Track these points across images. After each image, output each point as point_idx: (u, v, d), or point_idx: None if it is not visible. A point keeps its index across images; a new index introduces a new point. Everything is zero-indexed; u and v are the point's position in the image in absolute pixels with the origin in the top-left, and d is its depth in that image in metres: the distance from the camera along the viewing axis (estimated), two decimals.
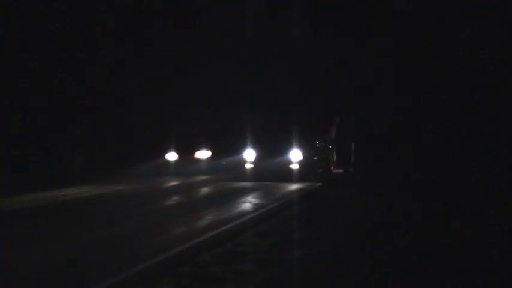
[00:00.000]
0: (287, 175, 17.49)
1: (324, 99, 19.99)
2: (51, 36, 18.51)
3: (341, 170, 19.41)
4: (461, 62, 18.69)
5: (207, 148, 20.15)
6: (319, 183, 16.41)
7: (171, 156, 20.43)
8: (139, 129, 20.96)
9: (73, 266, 6.21)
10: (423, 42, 19.40)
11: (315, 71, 20.50)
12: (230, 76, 21.58)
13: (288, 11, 21.14)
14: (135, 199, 13.30)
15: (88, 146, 20.18)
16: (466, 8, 18.29)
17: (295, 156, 18.11)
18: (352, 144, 19.67)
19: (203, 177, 18.77)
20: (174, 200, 13.25)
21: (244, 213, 10.36)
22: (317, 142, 18.75)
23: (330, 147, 19.30)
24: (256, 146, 18.42)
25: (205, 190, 15.80)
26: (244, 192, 14.53)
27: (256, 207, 11.18)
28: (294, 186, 15.87)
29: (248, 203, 12.01)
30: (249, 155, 18.49)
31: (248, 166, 18.49)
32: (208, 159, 20.20)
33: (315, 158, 18.31)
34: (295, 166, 18.08)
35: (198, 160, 20.32)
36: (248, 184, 16.67)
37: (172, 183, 17.49)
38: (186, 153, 20.28)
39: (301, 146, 18.16)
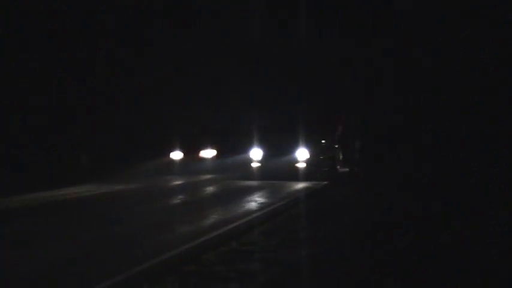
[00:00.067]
0: (293, 174, 17.46)
1: (330, 98, 20.01)
2: (51, 36, 18.52)
3: (347, 169, 19.43)
4: (461, 62, 18.71)
5: (212, 147, 20.14)
6: (325, 182, 16.41)
7: (176, 155, 20.40)
8: (139, 129, 20.94)
9: (76, 264, 6.21)
10: (423, 42, 19.42)
11: (321, 71, 20.53)
12: (230, 76, 21.58)
13: (288, 11, 21.15)
14: (138, 198, 13.25)
15: (88, 145, 20.18)
16: (466, 8, 18.30)
17: (302, 155, 18.12)
18: (358, 144, 19.68)
19: (208, 176, 18.73)
20: (179, 198, 13.19)
21: (250, 212, 10.30)
22: (323, 141, 18.77)
23: (336, 146, 19.32)
24: (263, 144, 18.46)
25: (210, 189, 15.70)
26: (251, 190, 14.48)
27: (263, 206, 11.12)
28: (301, 185, 15.84)
29: (254, 202, 11.95)
30: (256, 153, 18.52)
31: (255, 165, 18.52)
32: (213, 158, 20.18)
33: (321, 157, 18.33)
34: (301, 165, 18.09)
35: (203, 159, 20.30)
36: (254, 183, 16.64)
37: (177, 182, 17.41)
38: (190, 152, 20.26)
39: (308, 145, 18.18)
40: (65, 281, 5.56)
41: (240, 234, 8.11)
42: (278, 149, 18.13)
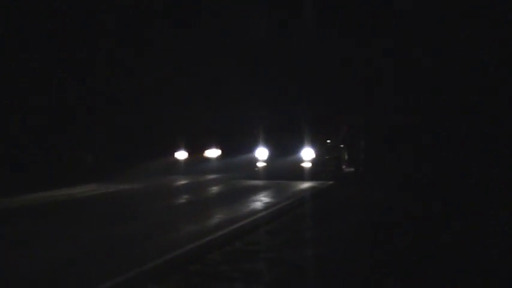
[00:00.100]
0: (299, 173, 17.48)
1: (330, 98, 20.00)
2: (51, 36, 18.51)
3: (352, 169, 19.44)
4: (461, 62, 18.70)
5: (217, 147, 20.15)
6: (331, 182, 16.44)
7: (181, 155, 20.39)
8: (140, 129, 20.93)
9: (81, 264, 6.22)
10: (423, 42, 19.41)
11: (321, 71, 20.53)
12: (230, 76, 21.57)
13: (288, 11, 21.15)
14: (143, 198, 13.25)
15: (91, 145, 20.19)
16: (466, 8, 18.30)
17: (307, 154, 18.13)
18: (363, 143, 19.68)
19: (213, 176, 18.73)
20: (184, 198, 13.19)
21: (255, 211, 10.29)
22: (328, 141, 18.78)
23: (342, 146, 19.32)
24: (269, 144, 18.47)
25: (216, 188, 15.68)
26: (256, 190, 14.48)
27: (268, 205, 11.12)
28: (306, 185, 15.88)
29: (259, 201, 11.94)
30: (261, 153, 18.53)
31: (260, 164, 18.52)
32: (218, 157, 20.18)
33: (327, 157, 18.33)
34: (307, 165, 18.09)
35: (208, 159, 20.30)
36: (260, 182, 16.66)
37: (182, 182, 17.40)
38: (195, 151, 20.25)
39: (313, 145, 18.18)
40: (65, 281, 5.55)
41: (245, 233, 8.11)
42: (284, 148, 18.13)
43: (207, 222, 9.14)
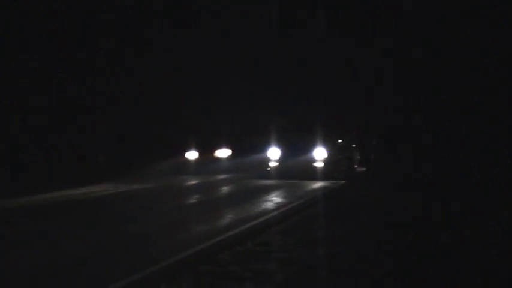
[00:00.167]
0: (311, 173, 17.49)
1: (348, 98, 20.03)
2: (51, 36, 18.50)
3: (364, 169, 19.47)
4: (461, 62, 18.71)
5: (227, 147, 20.13)
6: (343, 182, 16.47)
7: (191, 154, 20.36)
8: (148, 129, 20.92)
9: (93, 263, 6.25)
10: (423, 42, 19.42)
11: (321, 71, 20.56)
12: (230, 76, 21.57)
13: (288, 11, 21.16)
14: (153, 198, 13.23)
15: (100, 145, 20.21)
16: (466, 8, 18.30)
17: (320, 154, 18.14)
18: (373, 143, 19.70)
19: (224, 176, 18.71)
20: (195, 198, 13.18)
21: (267, 211, 10.26)
22: (340, 141, 18.80)
23: (354, 145, 19.34)
24: (281, 144, 18.47)
25: (227, 188, 15.64)
26: (268, 190, 14.46)
27: (279, 205, 11.08)
28: (318, 184, 15.90)
29: (271, 201, 11.90)
30: (273, 153, 18.54)
31: (272, 164, 18.53)
32: (228, 157, 20.16)
33: (339, 157, 18.34)
34: (319, 164, 18.10)
35: (218, 159, 20.28)
36: (272, 182, 16.66)
37: (192, 182, 17.37)
38: (206, 151, 20.23)
39: (325, 145, 18.19)
40: (75, 280, 5.59)
41: (256, 233, 8.07)
42: (296, 148, 18.14)
43: (217, 222, 9.13)
